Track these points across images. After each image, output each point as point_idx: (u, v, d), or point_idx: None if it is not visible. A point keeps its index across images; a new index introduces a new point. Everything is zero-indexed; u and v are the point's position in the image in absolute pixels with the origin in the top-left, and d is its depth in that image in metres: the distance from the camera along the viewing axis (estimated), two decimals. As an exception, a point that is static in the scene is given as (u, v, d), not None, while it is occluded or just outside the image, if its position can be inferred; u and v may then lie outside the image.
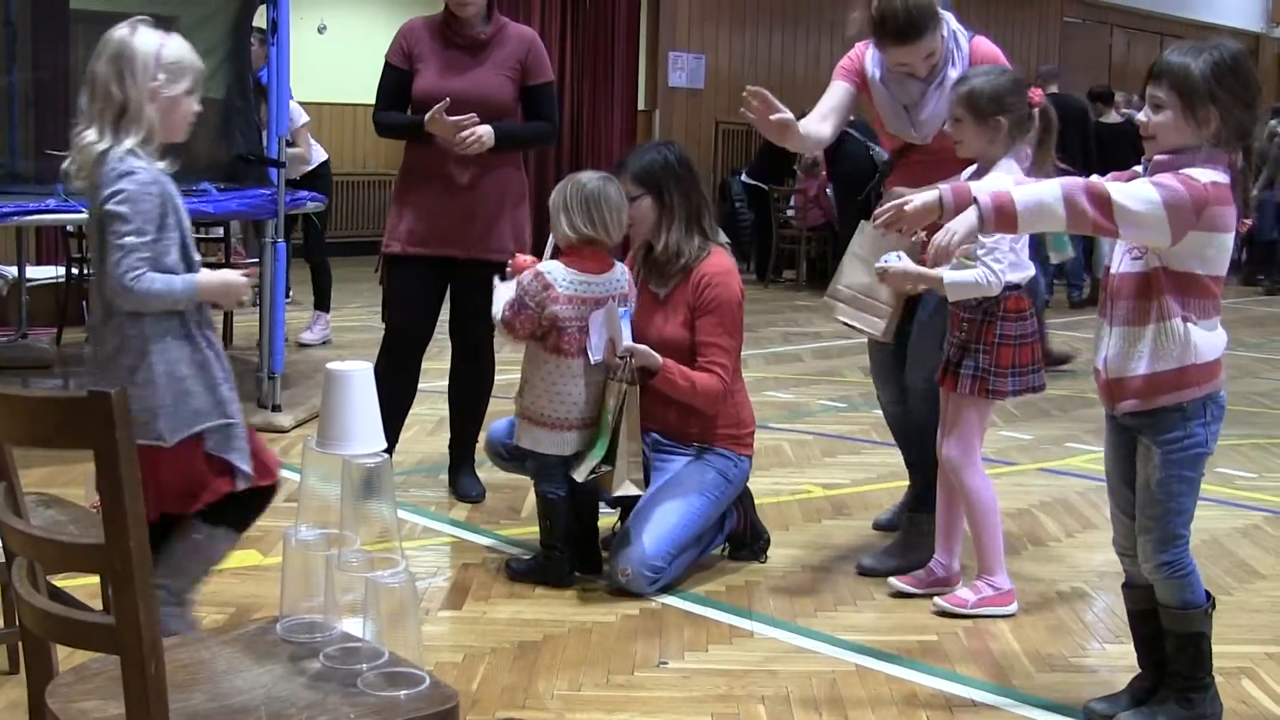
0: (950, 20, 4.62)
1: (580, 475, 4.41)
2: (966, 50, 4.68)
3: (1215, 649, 4.17)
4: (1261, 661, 4.12)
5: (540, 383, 4.47)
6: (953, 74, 4.62)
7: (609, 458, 4.39)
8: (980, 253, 4.16)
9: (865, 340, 5.07)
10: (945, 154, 4.57)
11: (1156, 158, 3.41)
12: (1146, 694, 3.67)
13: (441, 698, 2.35)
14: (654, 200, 4.64)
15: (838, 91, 4.83)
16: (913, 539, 4.82)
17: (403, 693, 2.35)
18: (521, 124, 5.45)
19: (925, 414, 4.70)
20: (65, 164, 3.40)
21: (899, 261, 4.22)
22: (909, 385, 4.79)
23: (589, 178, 4.52)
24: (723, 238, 4.82)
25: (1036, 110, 4.30)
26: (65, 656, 2.51)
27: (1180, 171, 3.31)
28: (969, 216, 3.37)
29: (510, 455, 4.76)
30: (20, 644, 3.67)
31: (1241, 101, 3.35)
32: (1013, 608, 4.44)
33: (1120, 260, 3.49)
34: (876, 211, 3.69)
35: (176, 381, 3.36)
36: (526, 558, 4.73)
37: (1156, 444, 3.47)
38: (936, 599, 4.48)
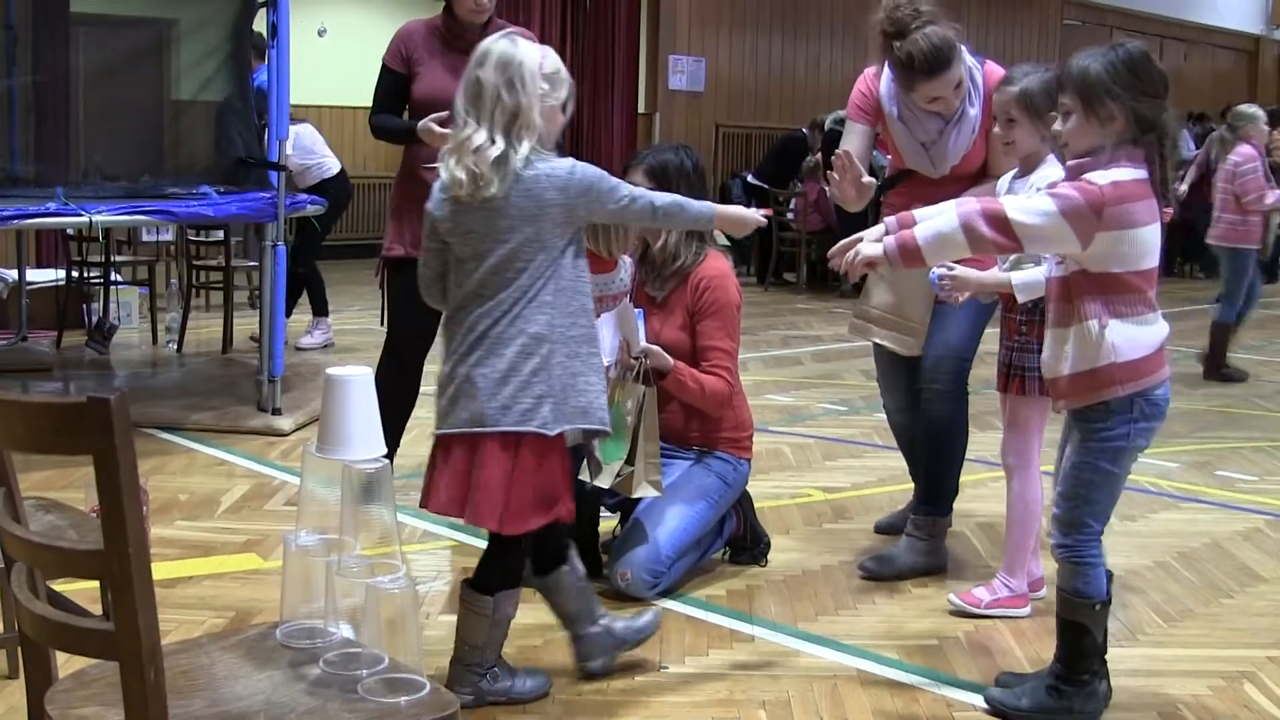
0: (965, 55, 4.59)
1: (606, 480, 4.38)
2: (981, 83, 4.66)
3: (1218, 652, 4.20)
4: (1263, 665, 4.11)
5: None
6: (971, 111, 4.62)
7: (629, 460, 4.38)
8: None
9: (866, 344, 5.07)
10: (954, 173, 4.58)
11: (1070, 163, 3.53)
12: None
13: (442, 704, 2.35)
14: None
15: (859, 137, 4.79)
16: (917, 542, 4.82)
17: (403, 699, 2.34)
18: None
19: (940, 420, 4.70)
20: (451, 168, 3.49)
21: (956, 270, 4.19)
22: (933, 383, 4.74)
23: None
24: (722, 240, 4.82)
25: None
26: (64, 662, 2.51)
27: (1081, 177, 3.41)
28: (875, 249, 3.52)
29: None
30: (19, 649, 3.69)
31: (1142, 94, 3.44)
32: (1026, 610, 4.43)
33: (1051, 265, 3.63)
34: (829, 254, 3.76)
35: (557, 378, 3.49)
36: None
37: (1079, 430, 3.58)
38: (950, 596, 4.48)
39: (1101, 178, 3.37)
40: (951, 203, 3.49)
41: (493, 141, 3.43)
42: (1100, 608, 3.61)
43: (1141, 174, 3.41)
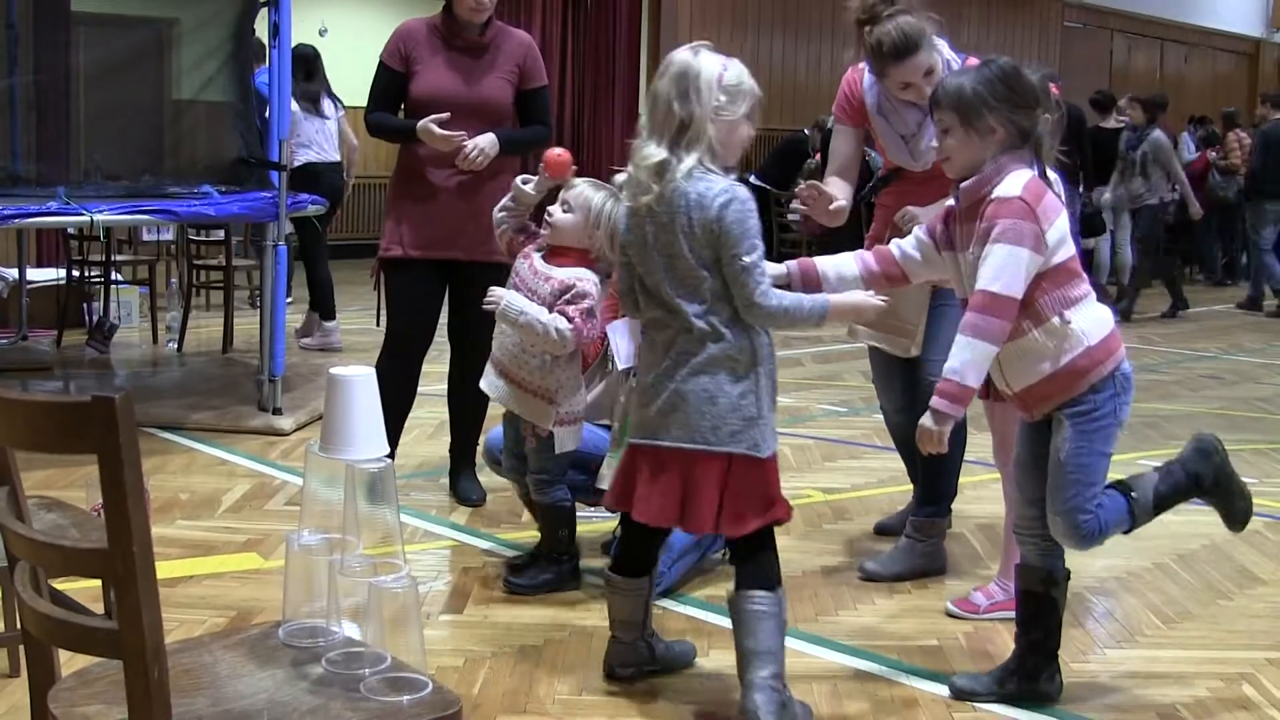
0: (944, 48, 4.60)
1: None
2: None
3: (1217, 654, 4.22)
4: (1262, 667, 4.12)
5: (570, 382, 4.45)
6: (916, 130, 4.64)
7: None
8: None
9: (865, 345, 5.07)
10: (938, 170, 4.58)
11: (964, 186, 3.61)
12: (1010, 675, 3.83)
13: (444, 703, 2.35)
14: None
15: (845, 141, 4.82)
16: (916, 544, 4.82)
17: (405, 698, 2.35)
18: (521, 128, 5.46)
19: None
20: (619, 176, 3.60)
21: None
22: (931, 387, 4.75)
23: (617, 199, 4.49)
24: None
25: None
26: (67, 660, 2.51)
27: (997, 207, 3.48)
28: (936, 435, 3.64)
29: (515, 461, 4.71)
30: (21, 648, 3.69)
31: (1017, 106, 3.57)
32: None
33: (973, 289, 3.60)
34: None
35: (771, 398, 3.54)
36: (525, 578, 4.60)
37: (1069, 423, 3.60)
38: (949, 604, 4.49)
39: (1011, 188, 3.49)
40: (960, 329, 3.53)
41: (663, 149, 3.44)
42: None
43: (1031, 170, 3.56)
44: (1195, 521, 5.68)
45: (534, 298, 4.36)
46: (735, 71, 3.48)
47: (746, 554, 3.63)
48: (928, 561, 4.82)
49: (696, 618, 4.38)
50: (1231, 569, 5.07)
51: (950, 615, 4.45)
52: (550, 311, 4.30)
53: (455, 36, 5.33)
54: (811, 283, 3.68)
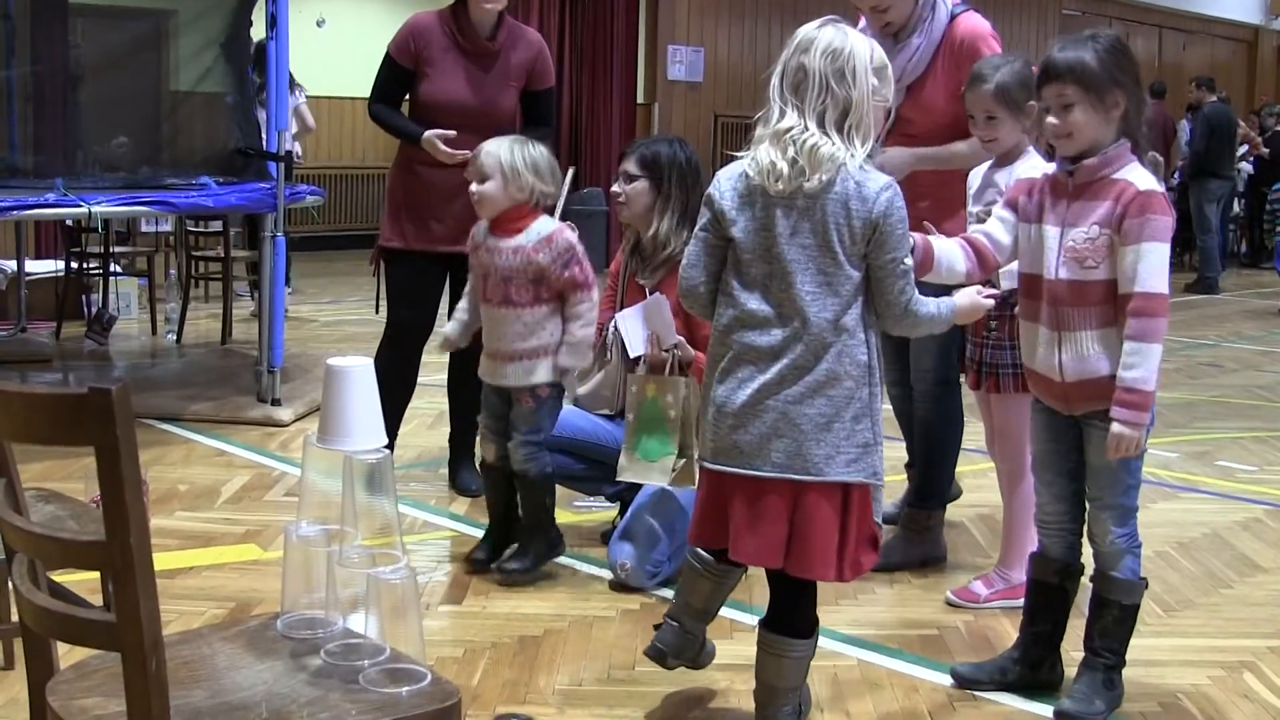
0: None
1: (662, 478, 4.34)
2: (944, 20, 4.63)
3: (1218, 642, 4.22)
4: (1263, 655, 4.12)
5: (554, 327, 4.48)
6: (915, 40, 4.61)
7: (680, 453, 4.36)
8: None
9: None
10: (923, 139, 4.56)
11: (1086, 163, 3.46)
12: (1013, 664, 3.80)
13: (443, 694, 2.35)
14: (651, 185, 4.63)
15: None
16: (913, 534, 4.82)
17: (404, 689, 2.34)
18: (529, 130, 5.45)
19: (932, 414, 4.71)
20: (766, 154, 3.16)
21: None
22: (915, 387, 4.78)
23: (534, 144, 4.52)
24: None
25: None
26: (65, 653, 2.51)
27: (1146, 200, 3.38)
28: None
29: (495, 422, 4.65)
30: (18, 640, 3.69)
31: (1137, 80, 3.47)
32: (1023, 600, 4.44)
33: (1061, 267, 3.49)
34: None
35: (879, 420, 3.24)
36: (519, 562, 4.58)
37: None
38: (949, 593, 4.48)
39: (1147, 180, 3.42)
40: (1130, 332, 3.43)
41: (824, 133, 3.12)
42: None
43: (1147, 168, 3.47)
44: (1195, 510, 5.70)
45: (508, 274, 4.42)
46: (879, 53, 3.23)
47: (790, 595, 3.34)
48: (927, 550, 4.81)
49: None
50: (1232, 557, 5.06)
51: (950, 605, 4.44)
52: (542, 282, 4.40)
53: (468, 40, 5.29)
54: (922, 268, 3.44)
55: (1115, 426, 3.41)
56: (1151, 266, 3.37)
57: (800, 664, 3.38)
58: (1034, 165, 4.08)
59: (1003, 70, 4.22)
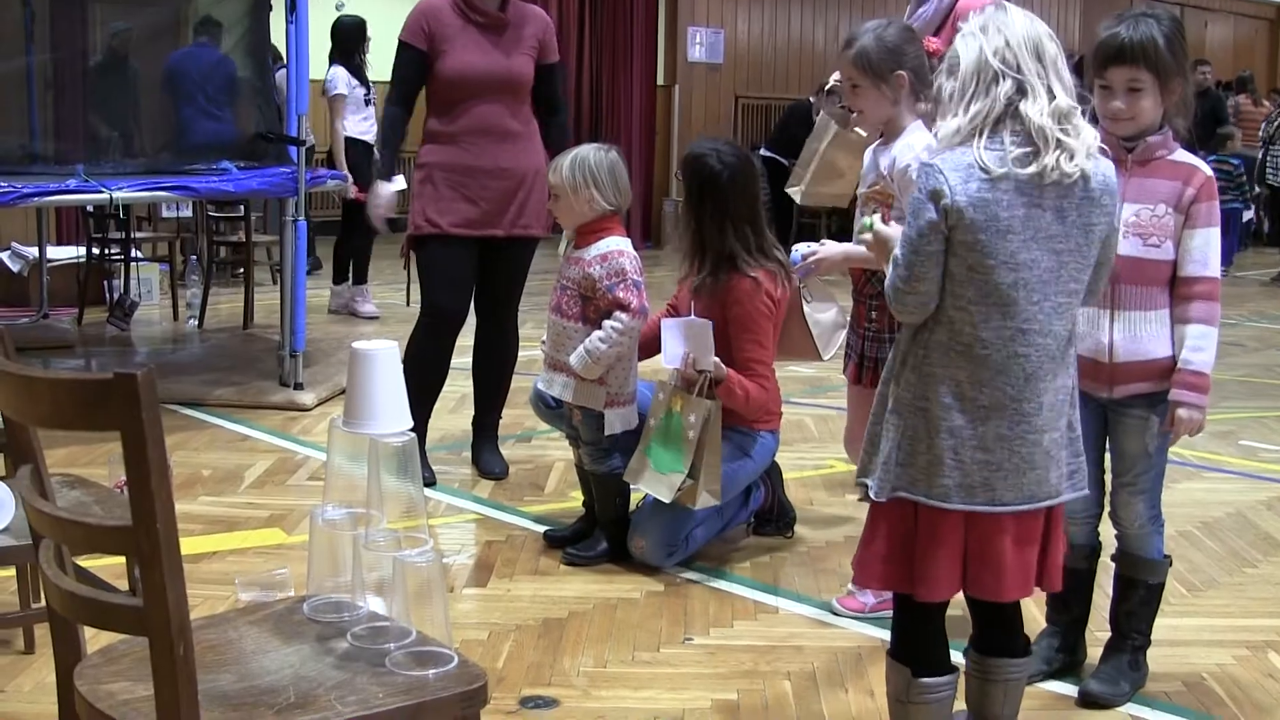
0: None
1: (666, 493, 4.36)
2: None
3: (1242, 622, 4.20)
4: (1289, 635, 4.11)
5: (619, 363, 4.47)
6: (918, 9, 4.58)
7: (690, 473, 4.35)
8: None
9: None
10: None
11: (1151, 140, 3.37)
12: (1054, 652, 3.78)
13: (469, 677, 2.35)
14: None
15: None
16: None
17: (431, 672, 2.35)
18: (547, 125, 5.46)
19: None
20: (1028, 134, 2.70)
21: (818, 248, 4.16)
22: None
23: (598, 151, 4.52)
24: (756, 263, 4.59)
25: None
26: (91, 638, 2.51)
27: (1208, 185, 3.37)
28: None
29: (571, 429, 4.71)
30: (36, 626, 3.71)
31: (1188, 65, 3.41)
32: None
33: (1122, 241, 3.27)
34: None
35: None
36: (584, 549, 4.62)
37: (1156, 413, 3.50)
38: (835, 601, 4.42)
39: (1201, 164, 3.40)
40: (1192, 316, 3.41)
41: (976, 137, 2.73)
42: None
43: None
44: (1219, 489, 5.68)
45: (566, 283, 4.51)
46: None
47: (1005, 612, 3.15)
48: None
49: (721, 589, 4.37)
50: (1256, 536, 5.05)
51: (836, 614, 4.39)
52: (591, 299, 4.43)
53: (478, 13, 5.30)
54: None
55: (1182, 411, 3.42)
56: (1215, 251, 3.40)
57: (1022, 685, 3.18)
58: (912, 143, 3.82)
59: (870, 33, 3.86)
